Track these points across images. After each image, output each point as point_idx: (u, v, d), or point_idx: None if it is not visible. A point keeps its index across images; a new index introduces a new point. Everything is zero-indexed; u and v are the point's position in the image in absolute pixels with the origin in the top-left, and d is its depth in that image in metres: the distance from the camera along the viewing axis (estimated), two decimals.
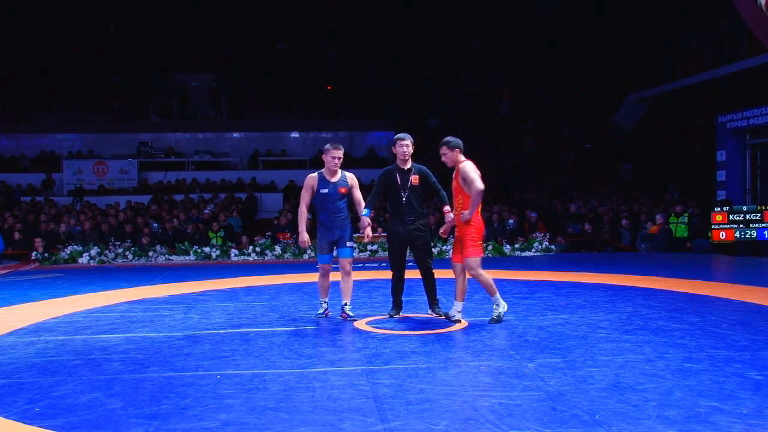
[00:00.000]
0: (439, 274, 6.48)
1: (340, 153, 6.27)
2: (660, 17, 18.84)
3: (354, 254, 6.61)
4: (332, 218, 6.24)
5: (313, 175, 6.31)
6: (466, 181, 5.81)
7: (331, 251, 6.30)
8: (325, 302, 6.43)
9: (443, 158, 6.02)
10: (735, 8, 10.67)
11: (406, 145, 6.19)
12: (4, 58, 20.66)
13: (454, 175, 6.00)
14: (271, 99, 21.74)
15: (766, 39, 10.11)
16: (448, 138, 6.02)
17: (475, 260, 5.82)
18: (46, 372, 4.58)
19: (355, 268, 5.95)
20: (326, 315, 6.40)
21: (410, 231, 6.14)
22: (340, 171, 6.34)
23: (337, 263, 6.34)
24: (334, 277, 6.42)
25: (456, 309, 6.02)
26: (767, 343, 5.02)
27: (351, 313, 6.31)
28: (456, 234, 6.02)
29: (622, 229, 14.18)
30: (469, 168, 5.83)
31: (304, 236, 6.30)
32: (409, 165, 6.22)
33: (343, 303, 6.32)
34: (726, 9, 13.95)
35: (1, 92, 20.64)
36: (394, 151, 6.25)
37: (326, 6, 22.42)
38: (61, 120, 20.80)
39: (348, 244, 6.29)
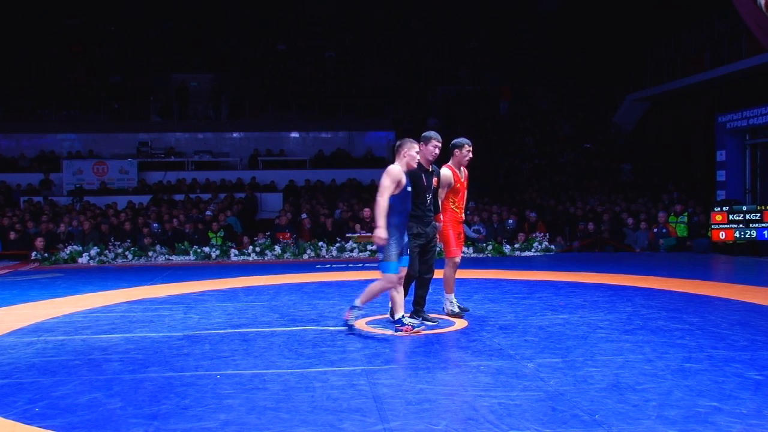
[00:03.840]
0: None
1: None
2: (660, 17, 18.87)
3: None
4: (406, 221, 5.57)
5: (399, 168, 5.37)
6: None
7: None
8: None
9: (469, 155, 6.22)
10: (735, 8, 10.67)
11: (438, 147, 5.80)
12: (4, 58, 20.67)
13: (465, 175, 6.29)
14: (270, 99, 21.75)
15: (766, 39, 10.10)
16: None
17: None
18: (46, 372, 4.58)
19: (355, 268, 5.82)
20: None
21: (430, 234, 5.93)
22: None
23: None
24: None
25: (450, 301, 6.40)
26: (767, 343, 5.02)
27: (415, 321, 5.67)
28: (454, 231, 6.35)
29: (626, 229, 14.17)
30: None
31: (384, 232, 5.26)
32: (432, 167, 5.95)
33: (401, 316, 5.62)
34: (726, 9, 13.96)
35: (1, 92, 20.65)
36: (423, 150, 5.71)
37: (326, 6, 22.45)
38: (61, 120, 20.82)
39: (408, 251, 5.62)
